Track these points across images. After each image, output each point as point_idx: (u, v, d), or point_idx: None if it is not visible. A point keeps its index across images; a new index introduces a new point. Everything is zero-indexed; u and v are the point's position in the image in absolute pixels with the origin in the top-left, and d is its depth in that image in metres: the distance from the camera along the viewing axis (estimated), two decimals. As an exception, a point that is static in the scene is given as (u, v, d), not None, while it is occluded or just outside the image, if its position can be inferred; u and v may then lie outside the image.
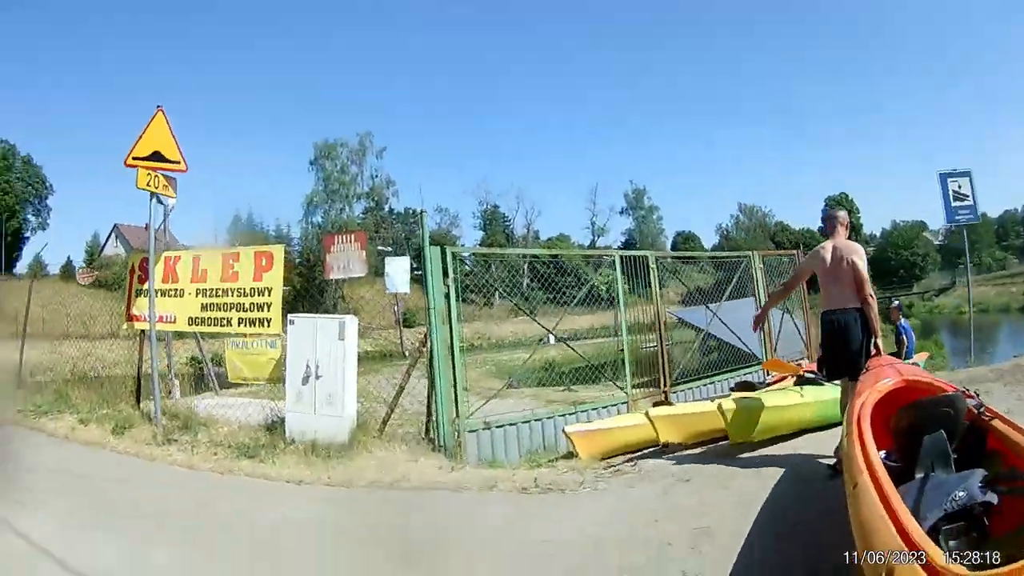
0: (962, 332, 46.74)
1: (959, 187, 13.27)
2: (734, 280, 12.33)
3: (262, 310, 8.48)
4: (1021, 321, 53.36)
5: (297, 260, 53.20)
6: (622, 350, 10.00)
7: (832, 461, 5.62)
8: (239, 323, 8.63)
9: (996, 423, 3.56)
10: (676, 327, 14.12)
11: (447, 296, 8.02)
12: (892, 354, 7.97)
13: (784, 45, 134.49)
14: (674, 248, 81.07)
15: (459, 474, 6.72)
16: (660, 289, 10.59)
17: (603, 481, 6.17)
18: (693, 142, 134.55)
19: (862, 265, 5.86)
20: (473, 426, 8.09)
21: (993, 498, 2.94)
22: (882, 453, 3.59)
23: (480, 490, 6.08)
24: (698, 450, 7.06)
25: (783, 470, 5.77)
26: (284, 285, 8.66)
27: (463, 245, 56.77)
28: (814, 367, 7.90)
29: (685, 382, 11.02)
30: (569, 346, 10.85)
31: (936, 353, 30.35)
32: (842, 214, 6.47)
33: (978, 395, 3.97)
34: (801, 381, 8.04)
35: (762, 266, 12.78)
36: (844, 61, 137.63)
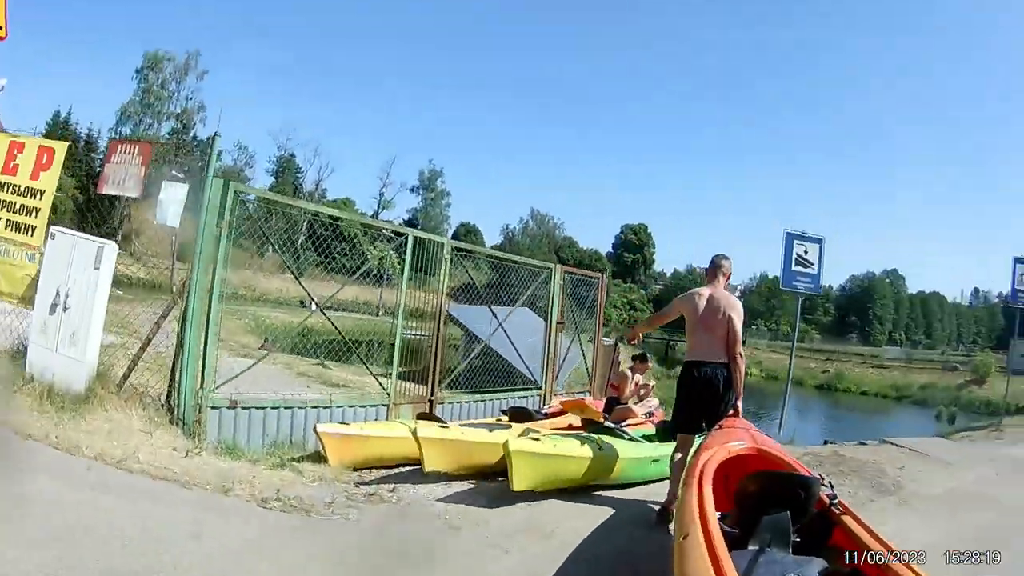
0: (752, 398, 49.19)
1: (805, 252, 12.29)
2: (528, 292, 11.40)
3: (31, 215, 7.37)
4: (815, 399, 55.32)
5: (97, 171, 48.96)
6: (393, 342, 9.08)
7: (660, 504, 5.74)
8: (6, 226, 7.44)
9: (847, 519, 3.46)
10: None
11: (218, 240, 6.93)
12: None
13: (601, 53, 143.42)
14: (455, 238, 79.86)
15: (194, 460, 5.86)
16: (446, 281, 9.70)
17: (355, 507, 5.47)
18: (503, 130, 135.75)
19: (738, 323, 5.75)
20: (218, 402, 7.07)
21: None
22: (718, 514, 3.49)
23: (213, 491, 5.23)
24: (466, 484, 6.34)
25: (578, 527, 5.35)
26: (62, 192, 6.95)
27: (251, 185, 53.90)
28: (602, 407, 8.44)
29: (451, 390, 10.22)
30: (333, 324, 9.63)
31: None
32: (726, 264, 6.12)
33: (831, 485, 3.88)
34: (597, 429, 7.33)
35: (562, 283, 11.82)
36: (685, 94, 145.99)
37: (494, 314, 10.96)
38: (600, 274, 14.07)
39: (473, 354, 11.24)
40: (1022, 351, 53.75)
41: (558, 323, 11.66)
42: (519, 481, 5.62)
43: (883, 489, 7.36)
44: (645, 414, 8.74)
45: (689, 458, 5.19)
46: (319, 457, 6.73)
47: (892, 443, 10.52)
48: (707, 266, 6.17)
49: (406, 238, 9.11)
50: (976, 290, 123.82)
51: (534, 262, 12.42)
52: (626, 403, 8.56)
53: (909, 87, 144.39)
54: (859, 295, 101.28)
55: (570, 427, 8.09)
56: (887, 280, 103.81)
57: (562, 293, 11.78)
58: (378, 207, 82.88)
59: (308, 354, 16.40)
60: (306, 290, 9.60)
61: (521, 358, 11.47)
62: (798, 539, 3.38)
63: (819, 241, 12.39)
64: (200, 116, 66.66)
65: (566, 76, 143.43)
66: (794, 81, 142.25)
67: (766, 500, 3.42)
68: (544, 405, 10.77)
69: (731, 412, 5.57)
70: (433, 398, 9.36)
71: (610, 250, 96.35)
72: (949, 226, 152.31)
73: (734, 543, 3.23)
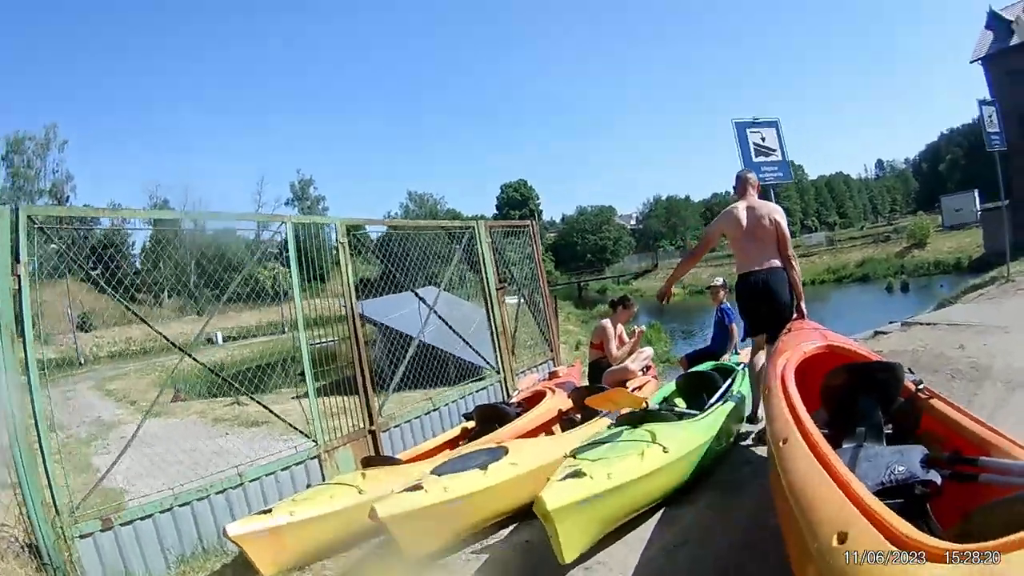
0: (669, 311, 49.04)
1: (763, 139, 10.66)
2: (455, 262, 9.83)
3: None
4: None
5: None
6: (300, 367, 6.98)
7: (754, 428, 5.98)
8: None
9: (936, 403, 3.38)
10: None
11: (14, 296, 4.76)
12: (710, 349, 8.78)
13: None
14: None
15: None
16: (351, 271, 7.55)
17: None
18: (365, 129, 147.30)
19: (785, 225, 5.90)
20: (87, 527, 5.00)
21: (936, 477, 2.66)
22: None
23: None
24: (474, 559, 4.60)
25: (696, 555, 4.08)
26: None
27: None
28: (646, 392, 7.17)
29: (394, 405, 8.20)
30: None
31: (658, 339, 30.71)
32: (751, 175, 6.27)
33: (912, 371, 3.81)
34: (634, 417, 5.16)
35: (490, 240, 10.12)
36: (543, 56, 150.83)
37: (421, 298, 9.31)
38: (529, 221, 12.38)
39: (409, 355, 8.58)
40: (955, 206, 56.88)
41: (498, 288, 9.93)
42: (569, 550, 3.78)
43: (969, 375, 6.42)
44: (642, 370, 7.91)
45: (762, 366, 5.59)
46: (247, 565, 4.69)
47: (913, 322, 10.10)
48: (735, 184, 6.27)
49: (284, 227, 7.00)
50: (880, 161, 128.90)
51: (452, 223, 10.82)
52: (617, 363, 7.88)
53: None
54: (760, 195, 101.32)
55: (561, 414, 6.83)
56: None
57: (492, 253, 10.15)
58: (258, 227, 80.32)
59: (225, 392, 14.95)
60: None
61: (467, 344, 9.62)
62: (889, 430, 3.35)
63: (774, 124, 10.80)
64: (70, 185, 67.81)
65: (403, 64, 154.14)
66: None
67: (853, 393, 3.41)
68: (511, 392, 9.06)
69: (796, 315, 5.71)
70: (374, 427, 7.26)
71: (495, 211, 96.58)
72: (836, 105, 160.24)
73: (828, 440, 3.06)
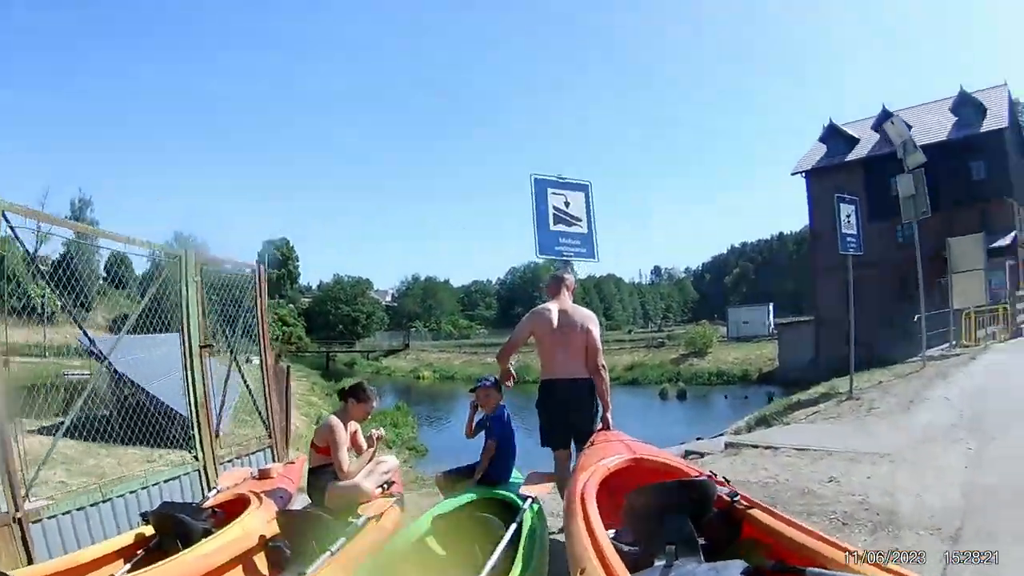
0: (417, 395, 48.83)
1: (566, 204, 8.75)
2: (146, 298, 7.20)
3: None
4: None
5: None
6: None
7: None
8: None
9: (755, 512, 3.29)
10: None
11: None
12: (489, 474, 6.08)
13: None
14: (106, 269, 75.26)
15: None
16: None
17: None
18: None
19: (597, 333, 5.86)
20: None
21: None
22: (611, 532, 3.38)
23: None
24: None
25: None
26: None
27: None
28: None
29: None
30: None
31: (404, 423, 30.41)
32: (569, 277, 6.25)
33: (728, 480, 3.73)
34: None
35: (198, 279, 7.62)
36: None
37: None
38: (255, 264, 9.33)
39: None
40: (743, 318, 56.58)
41: (203, 345, 7.40)
42: None
43: (871, 522, 5.28)
44: (382, 486, 5.85)
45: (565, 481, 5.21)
46: None
47: (740, 443, 9.07)
48: (549, 283, 6.24)
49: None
50: (657, 268, 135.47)
51: (138, 240, 6.93)
52: (347, 476, 5.56)
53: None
54: (522, 286, 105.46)
55: (263, 541, 4.65)
56: (552, 267, 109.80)
57: (202, 296, 7.71)
58: (36, 243, 73.87)
59: None
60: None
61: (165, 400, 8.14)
62: (705, 542, 3.18)
63: (584, 188, 8.98)
64: None
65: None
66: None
67: (659, 512, 3.20)
68: (210, 487, 6.49)
69: (600, 426, 5.57)
70: (20, 515, 5.09)
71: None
72: (614, 202, 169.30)
73: (637, 562, 3.02)
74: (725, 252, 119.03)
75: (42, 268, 7.69)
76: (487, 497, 5.55)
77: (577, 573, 2.95)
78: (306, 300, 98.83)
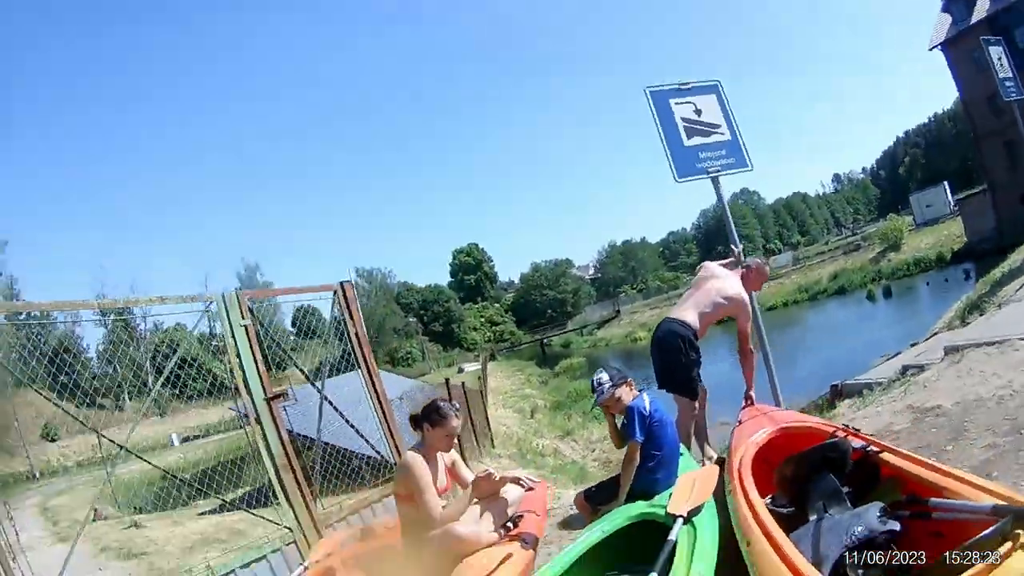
0: (638, 357, 48.40)
1: (697, 112, 7.52)
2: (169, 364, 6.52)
3: None
4: (720, 337, 40.75)
5: None
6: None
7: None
8: None
9: (886, 456, 3.58)
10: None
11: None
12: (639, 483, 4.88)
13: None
14: (293, 324, 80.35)
15: None
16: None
17: None
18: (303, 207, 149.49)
19: (745, 321, 6.18)
20: None
21: (895, 525, 2.91)
22: (767, 499, 3.77)
23: None
24: None
25: None
26: None
27: None
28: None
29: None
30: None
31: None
32: (757, 261, 6.53)
33: (857, 430, 4.11)
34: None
35: (246, 323, 6.14)
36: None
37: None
38: (333, 286, 7.48)
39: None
40: (926, 202, 57.27)
41: (271, 397, 5.95)
42: None
43: None
44: (508, 524, 4.60)
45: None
46: None
47: (964, 345, 7.38)
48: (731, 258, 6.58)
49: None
50: (836, 175, 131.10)
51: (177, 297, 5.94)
52: (439, 523, 4.22)
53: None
54: (716, 227, 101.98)
55: None
56: (740, 201, 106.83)
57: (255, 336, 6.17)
58: (210, 322, 79.83)
59: (174, 503, 13.96)
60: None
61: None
62: (850, 490, 3.49)
63: (713, 88, 7.71)
64: (16, 288, 60.95)
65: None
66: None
67: (805, 476, 3.59)
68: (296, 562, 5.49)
69: (745, 402, 5.94)
70: None
71: (450, 279, 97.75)
72: (783, 128, 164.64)
73: (792, 520, 3.42)
74: (892, 144, 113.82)
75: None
76: (631, 521, 4.32)
77: (744, 545, 3.26)
78: (509, 295, 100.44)
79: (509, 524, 4.49)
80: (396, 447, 6.84)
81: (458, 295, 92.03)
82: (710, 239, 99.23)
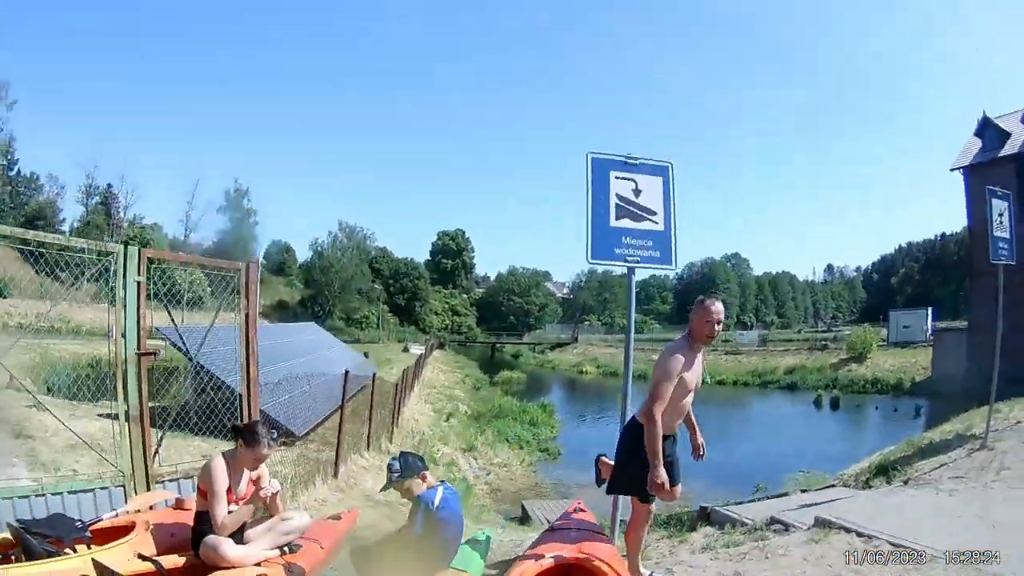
0: (579, 391, 48.91)
1: (635, 191, 6.83)
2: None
3: None
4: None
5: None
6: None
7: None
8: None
9: None
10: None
11: None
12: None
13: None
14: (267, 257, 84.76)
15: None
16: None
17: None
18: (305, 144, 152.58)
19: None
20: None
21: None
22: None
23: None
24: None
25: None
26: None
27: None
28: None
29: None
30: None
31: (547, 422, 30.46)
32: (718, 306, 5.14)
33: None
34: None
35: (141, 279, 6.37)
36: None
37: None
38: (243, 266, 7.35)
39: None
40: (904, 322, 54.85)
41: (142, 353, 6.33)
42: None
43: None
44: (284, 549, 4.98)
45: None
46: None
47: (834, 521, 6.87)
48: (696, 311, 5.12)
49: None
50: (830, 266, 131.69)
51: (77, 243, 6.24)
52: (220, 529, 4.63)
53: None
54: (699, 281, 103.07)
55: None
56: (728, 264, 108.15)
57: (143, 293, 6.39)
58: (185, 230, 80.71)
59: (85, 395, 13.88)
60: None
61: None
62: None
63: (663, 170, 7.07)
64: (13, 147, 64.02)
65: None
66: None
67: None
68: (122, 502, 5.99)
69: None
70: None
71: (428, 258, 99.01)
72: (789, 207, 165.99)
73: None
74: (892, 252, 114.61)
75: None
76: None
77: None
78: (480, 290, 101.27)
79: (285, 549, 4.90)
80: (250, 414, 7.13)
81: (431, 276, 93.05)
82: (688, 292, 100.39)
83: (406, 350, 58.76)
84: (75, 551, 4.35)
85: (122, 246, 6.46)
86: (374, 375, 16.40)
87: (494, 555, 6.14)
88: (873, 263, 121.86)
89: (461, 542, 5.30)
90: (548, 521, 11.43)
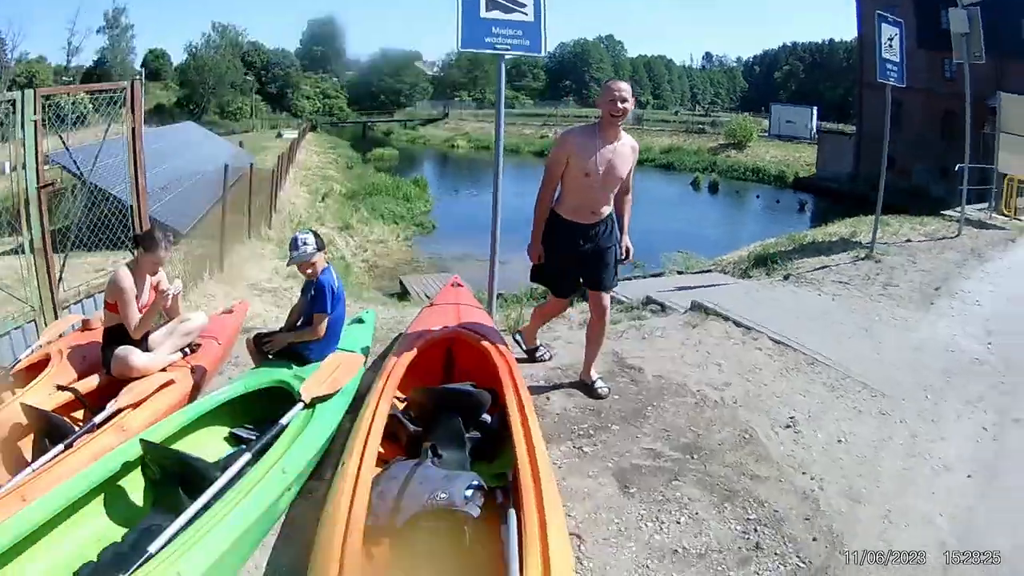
0: (453, 165, 48.54)
1: None
2: None
3: None
4: (535, 165, 39.64)
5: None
6: None
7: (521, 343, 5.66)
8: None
9: (515, 426, 3.37)
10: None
11: None
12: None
13: None
14: (143, 65, 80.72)
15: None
16: None
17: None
18: None
19: (634, 167, 4.99)
20: None
21: (474, 510, 2.92)
22: (404, 403, 4.05)
23: None
24: None
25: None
26: None
27: None
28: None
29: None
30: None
31: (420, 195, 30.75)
32: (630, 98, 4.64)
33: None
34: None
35: (37, 117, 6.23)
36: None
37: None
38: (127, 84, 7.31)
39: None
40: (787, 117, 54.90)
41: (42, 185, 6.30)
42: None
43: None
44: (185, 350, 5.11)
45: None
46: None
47: (713, 312, 6.99)
48: (603, 96, 4.64)
49: None
50: (708, 54, 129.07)
51: None
52: (135, 332, 4.75)
53: None
54: (572, 60, 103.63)
55: (41, 419, 3.98)
56: (602, 45, 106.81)
57: (39, 130, 6.28)
58: (68, 55, 79.39)
59: None
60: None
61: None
62: (477, 436, 3.76)
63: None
64: None
65: None
66: None
67: (435, 410, 3.75)
68: (35, 337, 5.96)
69: (623, 257, 5.03)
70: None
71: (299, 46, 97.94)
72: None
73: (412, 439, 3.72)
74: (776, 48, 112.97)
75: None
76: (268, 385, 4.50)
77: (340, 463, 3.25)
78: (349, 73, 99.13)
79: (187, 350, 5.08)
80: (142, 223, 7.19)
81: (303, 63, 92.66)
82: (562, 71, 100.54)
83: (279, 136, 57.93)
84: (2, 400, 4.31)
85: (19, 92, 6.32)
86: (252, 165, 16.02)
87: (376, 333, 6.26)
88: (756, 56, 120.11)
89: (346, 323, 5.37)
90: (428, 297, 12.26)
